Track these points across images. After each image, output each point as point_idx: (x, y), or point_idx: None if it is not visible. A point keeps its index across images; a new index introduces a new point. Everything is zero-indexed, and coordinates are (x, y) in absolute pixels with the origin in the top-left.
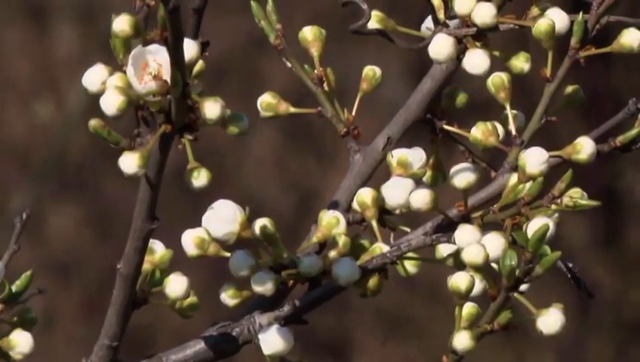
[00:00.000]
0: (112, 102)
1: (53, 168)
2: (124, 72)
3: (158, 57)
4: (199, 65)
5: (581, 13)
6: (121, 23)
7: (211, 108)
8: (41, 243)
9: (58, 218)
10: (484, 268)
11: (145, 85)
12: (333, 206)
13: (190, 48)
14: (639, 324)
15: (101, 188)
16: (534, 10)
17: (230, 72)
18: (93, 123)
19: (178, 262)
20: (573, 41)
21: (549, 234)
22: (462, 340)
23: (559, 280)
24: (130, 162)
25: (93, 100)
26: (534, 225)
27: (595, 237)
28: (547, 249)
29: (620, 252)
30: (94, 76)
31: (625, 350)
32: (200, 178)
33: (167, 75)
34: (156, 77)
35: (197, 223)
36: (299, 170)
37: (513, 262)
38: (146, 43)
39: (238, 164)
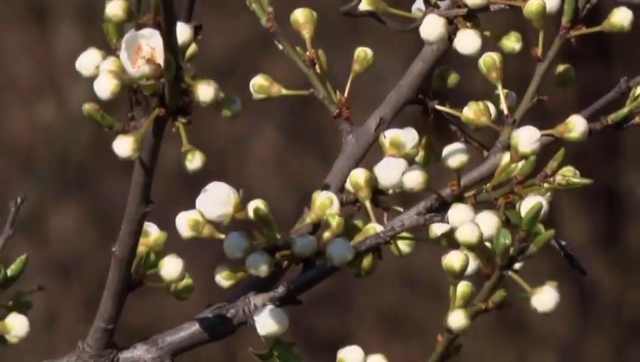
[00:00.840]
0: (105, 86)
1: (55, 168)
2: (118, 57)
3: (151, 41)
4: (192, 48)
5: None
6: (114, 8)
7: (205, 91)
8: (42, 242)
9: (60, 218)
10: (477, 247)
11: (138, 69)
12: (327, 187)
13: (183, 32)
14: (639, 324)
15: (102, 187)
16: None
17: (233, 71)
18: (87, 107)
19: (181, 248)
20: (564, 21)
21: (542, 212)
22: (457, 319)
23: (560, 279)
24: (124, 145)
25: (94, 97)
26: (527, 204)
27: (596, 237)
28: (541, 227)
29: (621, 251)
30: (88, 60)
31: (625, 349)
32: (194, 160)
33: (160, 59)
34: (149, 60)
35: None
36: (300, 170)
37: (507, 241)
38: (138, 27)
39: (240, 164)
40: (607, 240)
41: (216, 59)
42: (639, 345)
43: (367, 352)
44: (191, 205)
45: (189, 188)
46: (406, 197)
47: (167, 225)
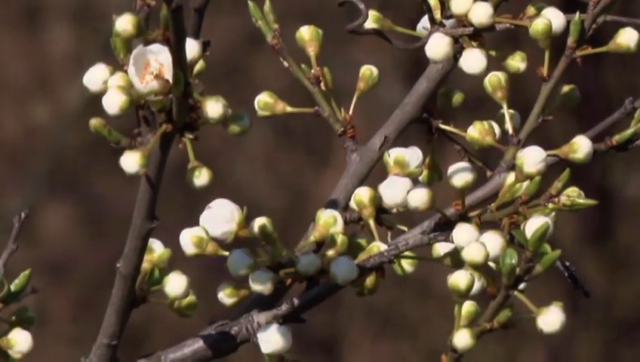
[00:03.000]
0: (114, 102)
1: (47, 168)
2: (125, 72)
3: (159, 57)
4: (199, 64)
5: (578, 13)
6: (124, 23)
7: (213, 108)
8: (33, 242)
9: (51, 217)
10: (482, 267)
11: (147, 85)
12: (331, 205)
13: (192, 48)
14: (628, 321)
15: (94, 187)
16: (531, 10)
17: (220, 71)
18: (94, 122)
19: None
20: (570, 41)
21: (548, 232)
22: (462, 339)
23: (550, 276)
24: (131, 161)
25: (87, 101)
26: (532, 224)
27: (585, 234)
28: (547, 247)
29: (610, 249)
30: (96, 75)
31: (614, 347)
32: (201, 177)
33: (168, 75)
34: (158, 76)
35: (189, 222)
36: (290, 168)
37: (514, 261)
38: (147, 43)
39: (230, 162)
40: (596, 238)
41: (208, 58)
42: (628, 342)
43: (358, 349)
44: (181, 202)
45: (179, 183)
46: (409, 217)
47: (160, 224)
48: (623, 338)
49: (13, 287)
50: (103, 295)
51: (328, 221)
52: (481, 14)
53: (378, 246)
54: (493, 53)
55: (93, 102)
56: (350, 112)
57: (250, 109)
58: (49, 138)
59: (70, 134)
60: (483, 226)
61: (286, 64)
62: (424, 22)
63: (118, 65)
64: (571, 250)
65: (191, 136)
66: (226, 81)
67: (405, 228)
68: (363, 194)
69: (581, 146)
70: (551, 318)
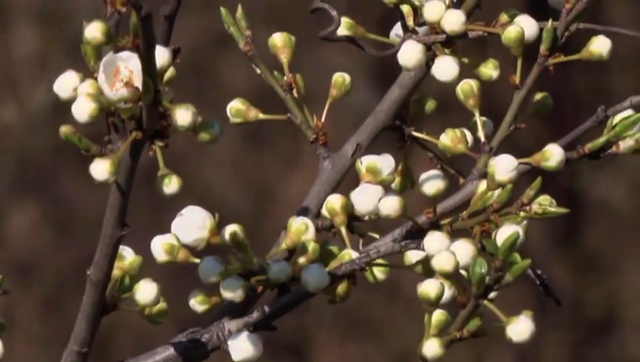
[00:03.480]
0: (83, 109)
1: (13, 169)
2: (96, 79)
3: (129, 64)
4: (170, 71)
5: (550, 21)
6: (93, 30)
7: (183, 115)
8: (0, 243)
9: (18, 218)
10: (453, 276)
11: (116, 92)
12: (303, 212)
13: (161, 55)
14: (596, 323)
15: (61, 188)
16: (503, 17)
17: (187, 72)
18: (64, 129)
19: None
20: (543, 49)
21: (518, 241)
22: (431, 347)
23: (518, 279)
24: (101, 169)
25: (54, 102)
26: (503, 233)
27: (553, 237)
28: (517, 256)
29: (577, 252)
30: (66, 82)
31: (582, 348)
32: (171, 185)
33: (138, 82)
34: (128, 84)
35: (157, 228)
36: (258, 170)
37: (483, 270)
38: (117, 50)
39: (197, 165)
40: (564, 240)
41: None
42: (596, 344)
43: (325, 352)
44: (147, 208)
45: (146, 189)
46: (381, 224)
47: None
48: (591, 340)
49: None
50: (70, 296)
51: (300, 228)
52: (454, 22)
53: (350, 254)
54: (465, 60)
55: (61, 104)
56: (322, 119)
57: (217, 111)
58: (16, 139)
59: (37, 135)
60: (454, 234)
61: (258, 71)
62: (397, 29)
63: (86, 70)
64: (539, 252)
65: (161, 144)
66: (192, 82)
67: (377, 236)
68: (335, 201)
69: (553, 154)
70: (520, 327)
